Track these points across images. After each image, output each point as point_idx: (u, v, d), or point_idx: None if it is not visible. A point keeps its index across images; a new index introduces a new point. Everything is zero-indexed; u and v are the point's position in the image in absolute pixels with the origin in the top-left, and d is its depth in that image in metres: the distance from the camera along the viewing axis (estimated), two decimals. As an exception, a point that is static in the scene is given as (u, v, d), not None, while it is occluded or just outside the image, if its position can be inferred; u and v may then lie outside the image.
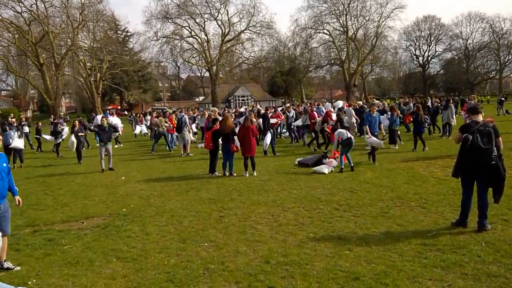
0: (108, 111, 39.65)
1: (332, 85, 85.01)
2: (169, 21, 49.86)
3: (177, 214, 6.96)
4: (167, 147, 16.73)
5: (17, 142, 13.78)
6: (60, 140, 17.79)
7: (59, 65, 43.60)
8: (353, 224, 5.94)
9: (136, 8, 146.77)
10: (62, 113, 47.01)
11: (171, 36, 50.40)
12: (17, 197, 5.16)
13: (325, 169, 10.20)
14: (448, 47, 72.20)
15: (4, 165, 4.92)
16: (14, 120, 17.93)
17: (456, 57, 72.57)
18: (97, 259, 5.10)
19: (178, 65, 65.71)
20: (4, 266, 4.86)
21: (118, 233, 6.07)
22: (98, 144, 12.76)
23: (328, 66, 64.99)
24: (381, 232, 5.56)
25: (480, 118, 5.52)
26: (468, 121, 6.00)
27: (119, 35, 59.27)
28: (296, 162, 11.59)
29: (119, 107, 64.41)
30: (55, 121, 20.71)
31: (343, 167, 10.15)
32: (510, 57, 67.04)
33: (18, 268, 4.90)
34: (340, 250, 4.97)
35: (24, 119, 23.45)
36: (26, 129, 19.66)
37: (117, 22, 55.61)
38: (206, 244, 5.43)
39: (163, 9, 49.37)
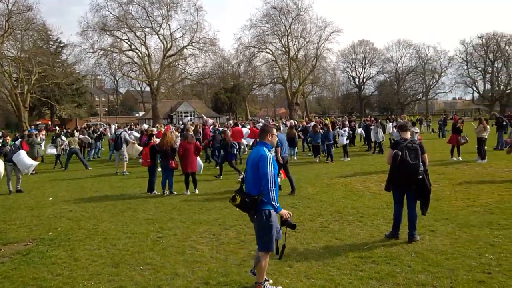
0: (35, 126, 36.84)
1: (275, 103, 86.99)
2: (107, 33, 48.01)
3: (111, 237, 6.56)
4: (84, 164, 16.11)
5: None
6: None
7: (-21, 74, 39.96)
8: (293, 240, 5.97)
9: (70, 18, 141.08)
10: None
11: (109, 48, 48.54)
12: None
13: None
14: (381, 70, 77.81)
15: None
16: None
17: (388, 80, 78.05)
18: (17, 289, 4.62)
19: (117, 79, 63.22)
20: None
21: (42, 260, 5.55)
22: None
23: (271, 84, 66.39)
24: (321, 246, 5.64)
25: (408, 135, 5.87)
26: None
27: (50, 45, 55.89)
28: (240, 179, 11.53)
29: (49, 122, 60.42)
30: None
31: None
32: (434, 81, 73.18)
33: None
34: (280, 266, 4.96)
35: None
36: None
37: (49, 32, 52.53)
38: (141, 268, 5.15)
39: (101, 21, 47.50)
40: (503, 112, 47.70)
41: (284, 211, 4.18)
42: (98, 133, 21.15)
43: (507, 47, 65.16)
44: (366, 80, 78.99)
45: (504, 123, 19.10)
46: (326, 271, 4.74)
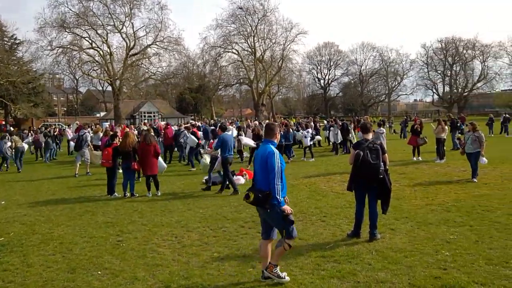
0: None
1: (241, 104, 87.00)
2: (67, 30, 45.99)
3: (67, 241, 6.27)
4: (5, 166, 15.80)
5: None
6: None
7: None
8: (257, 241, 5.89)
9: (26, 14, 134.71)
10: None
11: (68, 46, 46.47)
12: None
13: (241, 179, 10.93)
14: (345, 71, 79.67)
15: None
16: None
17: (352, 81, 79.95)
18: (-39, 300, 4.31)
19: (77, 78, 60.95)
20: None
21: (-8, 267, 5.23)
22: None
23: (237, 85, 66.34)
24: (284, 247, 5.63)
25: (370, 136, 5.98)
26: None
27: (5, 42, 53.01)
28: (204, 180, 11.40)
29: (3, 122, 57.28)
30: None
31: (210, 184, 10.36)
32: (396, 83, 75.78)
33: None
34: (244, 268, 4.92)
35: None
36: None
37: (3, 28, 49.93)
38: (99, 272, 4.96)
39: (60, 17, 45.35)
40: (461, 114, 50.10)
41: (286, 207, 4.35)
42: (53, 134, 20.21)
43: (464, 51, 68.61)
44: (331, 81, 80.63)
45: (458, 124, 20.06)
46: (289, 271, 4.73)
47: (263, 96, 59.32)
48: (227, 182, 9.88)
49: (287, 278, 4.46)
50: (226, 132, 10.11)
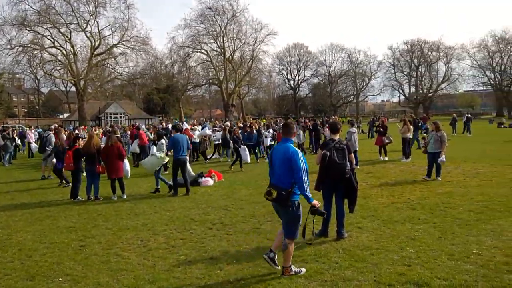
0: None
1: (211, 104, 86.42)
2: (27, 28, 44.15)
3: (26, 248, 5.99)
4: None
5: None
6: None
7: None
8: (225, 243, 5.88)
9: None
10: None
11: (29, 45, 44.55)
12: None
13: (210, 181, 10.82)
14: (315, 72, 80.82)
15: None
16: None
17: (322, 82, 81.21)
18: None
19: (38, 78, 58.44)
20: None
21: None
22: None
23: (206, 85, 65.86)
24: (252, 248, 5.61)
25: (337, 136, 6.03)
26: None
27: (-40, 41, 50.43)
28: (170, 183, 11.17)
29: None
30: None
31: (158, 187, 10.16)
32: (364, 84, 77.58)
33: None
34: (211, 270, 4.84)
35: None
36: None
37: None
38: (60, 279, 4.77)
39: (20, 15, 43.49)
40: (426, 114, 51.76)
41: (315, 201, 4.60)
42: (12, 136, 19.29)
43: (429, 53, 71.30)
44: (301, 82, 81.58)
45: (420, 124, 20.77)
46: (257, 272, 4.71)
47: (233, 97, 59.20)
48: (185, 183, 9.84)
49: (303, 269, 4.66)
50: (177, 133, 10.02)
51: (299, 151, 4.59)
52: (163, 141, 10.51)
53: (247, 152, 14.73)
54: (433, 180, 10.21)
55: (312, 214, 4.64)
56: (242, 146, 14.15)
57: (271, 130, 17.98)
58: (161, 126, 20.85)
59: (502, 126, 35.83)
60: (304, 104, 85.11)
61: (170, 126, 20.46)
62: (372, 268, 4.69)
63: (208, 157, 17.30)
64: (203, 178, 11.01)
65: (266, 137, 16.79)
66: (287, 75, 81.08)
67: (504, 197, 8.04)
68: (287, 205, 4.49)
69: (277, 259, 4.73)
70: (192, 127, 18.97)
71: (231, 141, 15.00)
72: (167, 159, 10.26)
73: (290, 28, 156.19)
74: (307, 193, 4.45)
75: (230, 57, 58.11)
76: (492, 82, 69.17)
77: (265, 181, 11.17)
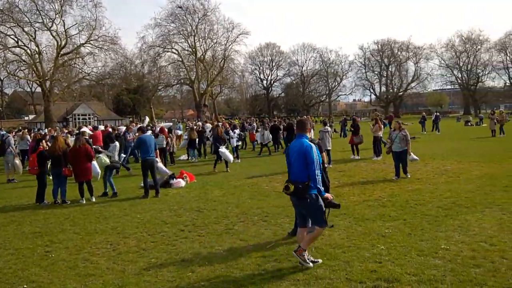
0: None
1: (182, 105, 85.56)
2: (-11, 27, 42.49)
3: (-12, 255, 5.70)
4: None
5: None
6: None
7: None
8: (197, 244, 5.79)
9: None
10: None
11: (-9, 45, 42.91)
12: None
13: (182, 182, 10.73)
14: (287, 72, 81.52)
15: None
16: None
17: (294, 82, 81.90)
18: None
19: (1, 78, 56.16)
20: None
21: None
22: None
23: (178, 85, 65.24)
24: (225, 249, 5.55)
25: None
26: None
27: None
28: (141, 185, 10.94)
29: None
30: None
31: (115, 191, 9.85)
32: (336, 84, 78.79)
33: None
34: (182, 272, 4.75)
35: None
36: None
37: None
38: (25, 286, 4.59)
39: (-19, 14, 41.87)
40: (396, 113, 53.16)
41: (328, 194, 4.87)
42: None
43: (399, 53, 73.27)
44: (274, 82, 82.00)
45: (383, 124, 21.28)
46: (229, 273, 4.66)
47: (205, 97, 58.82)
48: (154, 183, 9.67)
49: (311, 264, 4.69)
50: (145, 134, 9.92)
51: (313, 145, 4.77)
52: (116, 143, 10.43)
53: (227, 152, 14.25)
54: (403, 178, 10.43)
55: (326, 208, 4.78)
56: (221, 146, 13.79)
57: (237, 131, 18.20)
58: (122, 127, 19.93)
59: (469, 124, 37.07)
60: (277, 104, 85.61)
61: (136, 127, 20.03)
62: (343, 266, 4.73)
63: (181, 157, 17.27)
64: (174, 179, 10.84)
65: (232, 137, 16.83)
66: (259, 74, 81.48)
67: (470, 193, 8.31)
68: (305, 198, 4.63)
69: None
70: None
71: (212, 141, 15.03)
72: (108, 162, 10.10)
73: (262, 27, 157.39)
74: (319, 186, 4.63)
75: (202, 56, 57.72)
76: (459, 81, 71.86)
77: (238, 181, 11.16)
